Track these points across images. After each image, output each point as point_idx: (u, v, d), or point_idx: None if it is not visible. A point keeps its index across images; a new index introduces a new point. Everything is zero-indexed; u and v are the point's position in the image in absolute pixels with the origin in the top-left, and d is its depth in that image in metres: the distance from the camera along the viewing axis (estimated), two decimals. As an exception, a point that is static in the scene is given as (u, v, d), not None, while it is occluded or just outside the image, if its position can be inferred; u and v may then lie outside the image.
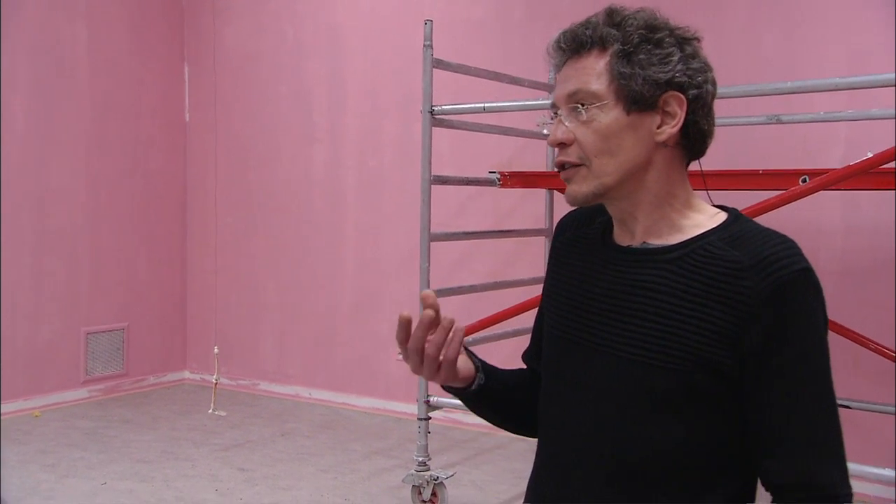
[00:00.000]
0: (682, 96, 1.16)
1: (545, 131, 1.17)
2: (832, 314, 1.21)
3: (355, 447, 4.57)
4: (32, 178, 5.14)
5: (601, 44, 1.17)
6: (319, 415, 5.24)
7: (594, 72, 1.17)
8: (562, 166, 1.21)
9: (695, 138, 1.20)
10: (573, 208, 1.29)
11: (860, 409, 3.46)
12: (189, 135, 6.07)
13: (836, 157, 3.78)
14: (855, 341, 3.46)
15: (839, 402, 1.15)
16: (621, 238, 1.24)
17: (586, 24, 1.19)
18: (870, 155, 2.70)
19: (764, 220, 3.66)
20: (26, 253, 5.13)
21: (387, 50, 5.23)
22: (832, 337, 1.16)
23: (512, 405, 1.37)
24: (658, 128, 1.17)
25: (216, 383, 5.30)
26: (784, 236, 1.15)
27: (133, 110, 5.69)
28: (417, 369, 1.20)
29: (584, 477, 1.19)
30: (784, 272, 1.09)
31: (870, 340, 3.46)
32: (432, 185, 3.55)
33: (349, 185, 5.41)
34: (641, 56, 1.15)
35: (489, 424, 1.44)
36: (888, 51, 3.72)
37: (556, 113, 1.22)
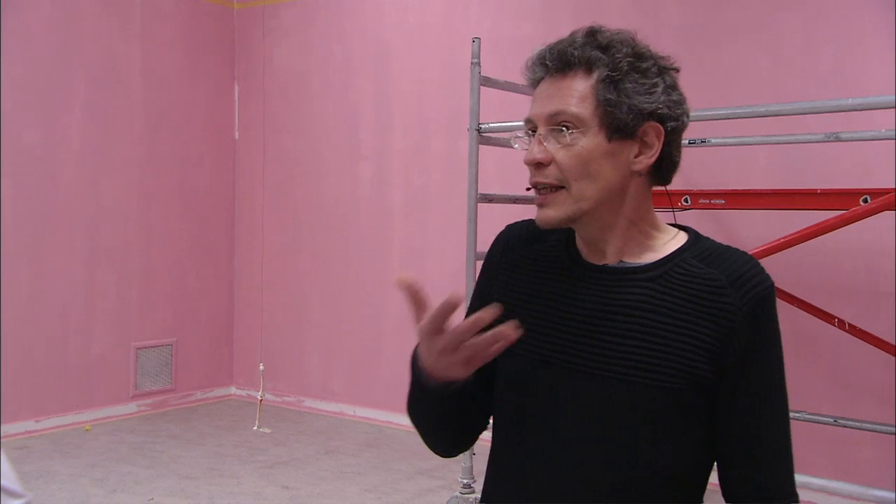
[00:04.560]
0: (661, 127, 1.16)
1: (515, 146, 1.14)
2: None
3: (400, 467, 4.54)
4: (87, 196, 5.25)
5: (587, 65, 1.15)
6: (364, 433, 5.23)
7: (578, 94, 1.15)
8: (536, 187, 1.18)
9: (666, 169, 1.21)
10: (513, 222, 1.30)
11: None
12: (238, 152, 6.15)
13: (897, 176, 3.65)
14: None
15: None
16: (592, 257, 1.22)
17: (572, 42, 1.16)
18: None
19: (819, 241, 3.50)
20: (79, 269, 5.22)
21: (434, 67, 5.23)
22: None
23: (464, 414, 1.27)
24: (636, 157, 1.17)
25: (261, 400, 5.33)
26: (747, 253, 1.20)
27: (184, 128, 5.79)
28: (468, 358, 1.09)
29: (578, 497, 1.16)
30: (759, 289, 1.15)
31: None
32: (479, 203, 3.52)
33: (395, 203, 5.41)
34: (628, 84, 1.14)
35: None
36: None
37: (532, 130, 1.19)
